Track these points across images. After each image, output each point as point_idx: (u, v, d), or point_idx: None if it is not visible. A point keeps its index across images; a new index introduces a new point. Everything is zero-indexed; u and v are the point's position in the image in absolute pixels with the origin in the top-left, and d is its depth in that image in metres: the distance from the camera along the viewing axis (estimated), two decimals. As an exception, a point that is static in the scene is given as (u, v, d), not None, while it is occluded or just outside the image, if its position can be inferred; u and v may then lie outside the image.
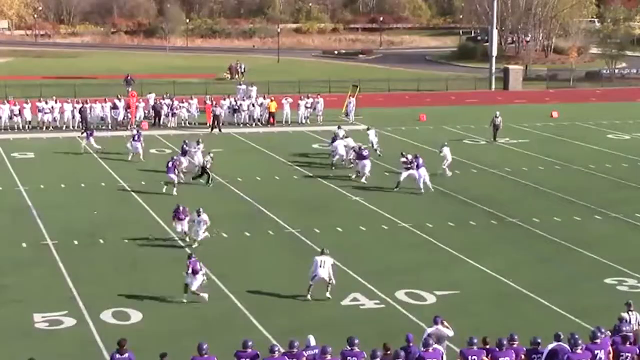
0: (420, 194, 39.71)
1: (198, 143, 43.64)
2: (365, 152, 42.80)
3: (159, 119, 58.72)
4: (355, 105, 62.59)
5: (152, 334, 24.21)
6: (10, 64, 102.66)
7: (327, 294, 26.69)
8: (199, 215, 31.55)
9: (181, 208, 32.47)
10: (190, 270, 26.36)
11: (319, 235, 33.64)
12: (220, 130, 56.17)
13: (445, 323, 20.86)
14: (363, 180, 42.00)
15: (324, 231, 34.20)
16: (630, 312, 21.48)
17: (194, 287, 26.38)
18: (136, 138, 46.87)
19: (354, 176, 42.90)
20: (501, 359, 19.03)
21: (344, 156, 45.57)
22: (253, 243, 32.89)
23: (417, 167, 40.24)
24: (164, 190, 39.21)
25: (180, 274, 26.94)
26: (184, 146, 42.94)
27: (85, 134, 49.51)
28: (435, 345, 19.42)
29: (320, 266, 26.52)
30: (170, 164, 39.86)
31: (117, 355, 19.05)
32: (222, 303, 26.63)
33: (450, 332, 20.80)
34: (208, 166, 41.29)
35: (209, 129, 56.31)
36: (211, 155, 42.21)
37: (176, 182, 39.75)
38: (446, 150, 43.82)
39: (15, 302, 26.16)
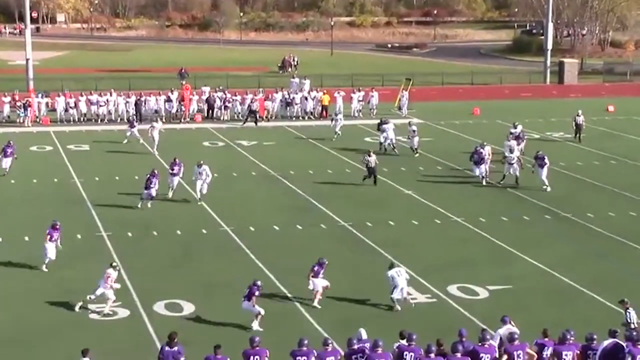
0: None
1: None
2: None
3: (212, 112, 59.01)
4: (408, 99, 62.36)
5: (204, 326, 24.36)
6: (67, 57, 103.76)
7: (411, 303, 26.23)
8: (199, 167, 33.90)
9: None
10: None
11: (371, 229, 33.58)
12: (256, 124, 56.13)
13: (512, 322, 20.61)
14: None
15: (376, 225, 34.13)
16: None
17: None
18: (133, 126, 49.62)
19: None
20: (564, 353, 18.90)
21: (394, 140, 46.68)
22: (305, 236, 32.91)
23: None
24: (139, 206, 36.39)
25: (232, 265, 27.02)
26: None
27: (130, 126, 49.86)
28: (491, 342, 19.28)
29: (398, 276, 25.99)
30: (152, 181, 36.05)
31: (167, 348, 19.18)
32: (274, 296, 26.69)
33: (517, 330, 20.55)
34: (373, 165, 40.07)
35: (253, 123, 56.10)
36: None
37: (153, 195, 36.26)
38: (487, 149, 41.85)
39: (70, 293, 26.43)
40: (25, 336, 23.70)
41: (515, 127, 46.73)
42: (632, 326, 20.76)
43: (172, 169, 37.67)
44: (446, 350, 18.98)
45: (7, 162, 41.63)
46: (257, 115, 56.57)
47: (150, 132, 47.66)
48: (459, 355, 18.67)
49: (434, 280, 27.90)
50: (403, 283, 25.78)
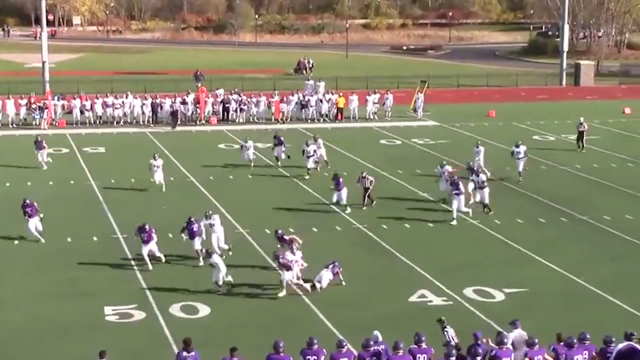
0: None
1: (316, 140, 44.24)
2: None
3: (228, 115, 59.11)
4: (424, 101, 62.33)
5: (219, 329, 24.40)
6: (82, 60, 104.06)
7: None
8: (208, 218, 30.42)
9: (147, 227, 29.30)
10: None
11: (386, 232, 33.57)
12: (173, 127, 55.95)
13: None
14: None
15: (391, 227, 34.11)
16: None
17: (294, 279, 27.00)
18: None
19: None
20: (575, 357, 18.83)
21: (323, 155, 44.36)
22: (321, 239, 32.91)
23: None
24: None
25: (247, 267, 27.08)
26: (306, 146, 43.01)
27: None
28: (508, 345, 19.23)
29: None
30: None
31: (184, 354, 19.12)
32: (289, 297, 26.72)
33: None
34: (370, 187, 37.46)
35: (276, 123, 56.33)
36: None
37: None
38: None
39: (86, 294, 26.51)
40: (40, 337, 23.79)
41: (517, 147, 42.24)
42: None
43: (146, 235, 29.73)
44: (464, 354, 18.97)
45: (42, 156, 43.21)
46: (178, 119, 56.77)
47: (245, 154, 44.64)
48: (479, 359, 18.64)
49: (450, 283, 27.87)
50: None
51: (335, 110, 60.02)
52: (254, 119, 59.05)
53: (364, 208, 36.78)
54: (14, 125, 55.89)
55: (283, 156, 44.92)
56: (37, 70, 71.68)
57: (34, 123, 55.91)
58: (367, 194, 37.15)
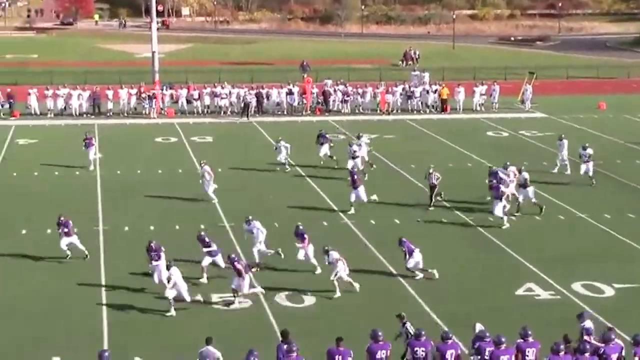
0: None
1: (359, 138, 42.34)
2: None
3: (332, 105, 59.20)
4: (532, 92, 61.44)
5: (325, 318, 24.46)
6: (191, 50, 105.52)
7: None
8: (249, 224, 29.14)
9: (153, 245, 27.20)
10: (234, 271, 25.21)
11: (493, 224, 33.17)
12: (247, 117, 55.89)
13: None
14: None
15: (498, 220, 33.67)
16: None
17: (245, 290, 25.29)
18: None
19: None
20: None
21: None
22: (425, 231, 32.71)
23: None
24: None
25: (354, 257, 27.08)
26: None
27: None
28: (617, 340, 18.84)
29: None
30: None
31: (284, 346, 19.17)
32: (392, 288, 26.68)
33: None
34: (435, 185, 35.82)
35: (382, 114, 56.28)
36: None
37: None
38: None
39: (194, 284, 26.83)
40: (156, 323, 24.22)
41: (585, 149, 38.88)
42: None
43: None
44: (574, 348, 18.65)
45: (91, 154, 42.08)
46: (250, 109, 56.58)
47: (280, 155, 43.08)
48: (587, 355, 18.29)
49: (558, 277, 27.42)
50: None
51: (440, 102, 59.57)
52: (359, 110, 59.01)
53: (430, 209, 35.22)
54: (126, 114, 57.03)
55: (329, 153, 42.54)
56: (147, 60, 72.88)
57: (143, 112, 56.95)
58: (434, 193, 35.49)
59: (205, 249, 27.45)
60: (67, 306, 25.30)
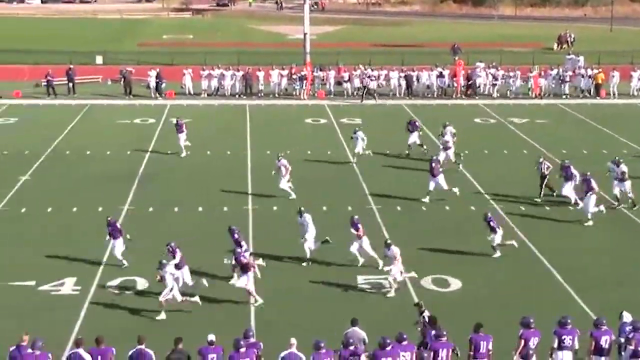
0: None
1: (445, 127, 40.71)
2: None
3: (483, 89, 58.52)
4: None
5: (469, 303, 24.34)
6: (342, 32, 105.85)
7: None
8: (302, 216, 27.82)
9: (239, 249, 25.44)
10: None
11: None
12: (375, 99, 55.30)
13: None
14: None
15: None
16: None
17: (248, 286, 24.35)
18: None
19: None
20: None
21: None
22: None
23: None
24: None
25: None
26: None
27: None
28: None
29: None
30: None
31: (432, 332, 19.29)
32: (539, 275, 26.35)
33: None
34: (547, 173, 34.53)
35: (534, 98, 55.31)
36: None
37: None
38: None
39: (340, 265, 27.01)
40: (292, 303, 24.55)
41: (618, 165, 33.80)
42: None
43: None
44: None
45: (181, 140, 41.84)
46: (371, 92, 55.91)
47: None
48: None
49: None
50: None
51: (594, 86, 58.03)
52: (510, 94, 58.11)
53: (538, 200, 34.00)
54: (277, 95, 57.76)
55: (418, 141, 41.56)
56: (299, 41, 73.49)
57: (294, 93, 57.52)
58: (545, 183, 34.18)
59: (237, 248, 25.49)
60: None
